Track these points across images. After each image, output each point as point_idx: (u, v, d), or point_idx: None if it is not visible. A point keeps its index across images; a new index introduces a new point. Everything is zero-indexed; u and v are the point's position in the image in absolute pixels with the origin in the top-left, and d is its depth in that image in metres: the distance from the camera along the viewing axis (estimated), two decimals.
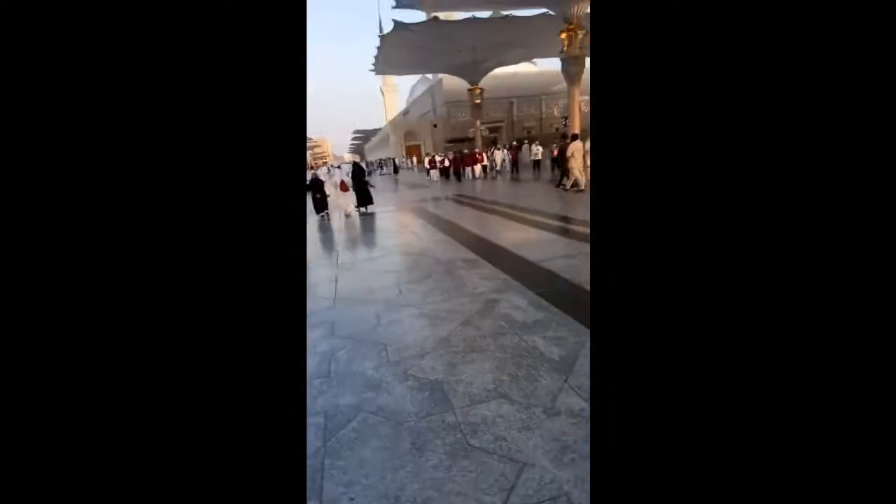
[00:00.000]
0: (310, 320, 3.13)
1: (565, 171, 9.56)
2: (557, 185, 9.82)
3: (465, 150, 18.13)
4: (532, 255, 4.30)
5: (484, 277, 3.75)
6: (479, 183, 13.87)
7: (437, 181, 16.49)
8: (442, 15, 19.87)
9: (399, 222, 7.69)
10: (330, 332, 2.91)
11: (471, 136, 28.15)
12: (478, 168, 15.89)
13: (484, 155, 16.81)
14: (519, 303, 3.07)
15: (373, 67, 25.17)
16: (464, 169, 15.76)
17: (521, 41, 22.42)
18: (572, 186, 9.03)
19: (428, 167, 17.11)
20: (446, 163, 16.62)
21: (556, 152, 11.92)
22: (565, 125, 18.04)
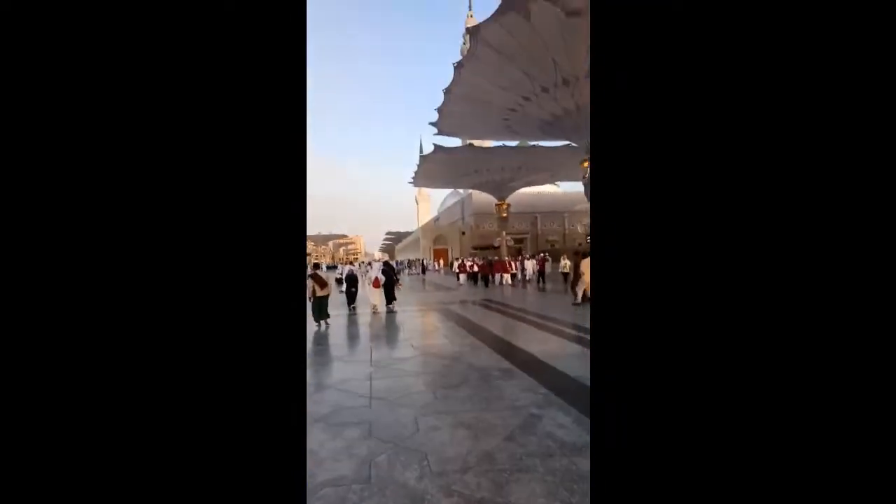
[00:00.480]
0: (347, 418, 3.07)
1: (573, 285, 9.65)
2: (573, 302, 9.65)
3: (496, 257, 18.67)
4: (570, 369, 4.21)
5: (523, 389, 3.66)
6: (507, 289, 14.08)
7: (463, 284, 16.73)
8: (476, 142, 22.72)
9: (430, 323, 7.75)
10: (368, 433, 2.83)
11: (496, 244, 29.53)
12: (507, 276, 16.23)
13: (514, 263, 17.27)
14: (563, 420, 2.95)
15: (412, 180, 28.10)
16: (493, 275, 16.03)
17: (545, 166, 24.91)
18: (584, 300, 9.01)
19: (458, 270, 17.59)
20: (475, 268, 17.04)
21: (567, 267, 12.31)
22: (589, 242, 18.78)
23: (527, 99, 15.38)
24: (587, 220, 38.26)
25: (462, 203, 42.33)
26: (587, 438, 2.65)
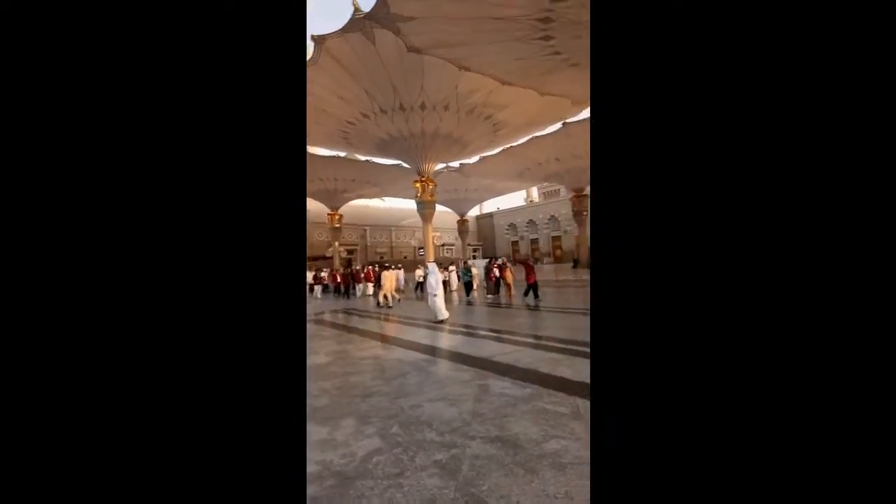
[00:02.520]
0: None
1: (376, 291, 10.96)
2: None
3: (357, 267, 17.77)
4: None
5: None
6: (371, 300, 13.96)
7: (319, 297, 15.45)
8: (310, 148, 21.83)
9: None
10: None
11: (329, 255, 28.66)
12: (370, 285, 15.34)
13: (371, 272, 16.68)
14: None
15: None
16: (355, 285, 15.42)
17: (377, 181, 26.02)
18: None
19: (312, 282, 16.11)
20: (337, 278, 15.89)
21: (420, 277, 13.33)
22: (421, 254, 20.52)
23: (366, 116, 15.96)
24: (418, 234, 41.30)
25: None
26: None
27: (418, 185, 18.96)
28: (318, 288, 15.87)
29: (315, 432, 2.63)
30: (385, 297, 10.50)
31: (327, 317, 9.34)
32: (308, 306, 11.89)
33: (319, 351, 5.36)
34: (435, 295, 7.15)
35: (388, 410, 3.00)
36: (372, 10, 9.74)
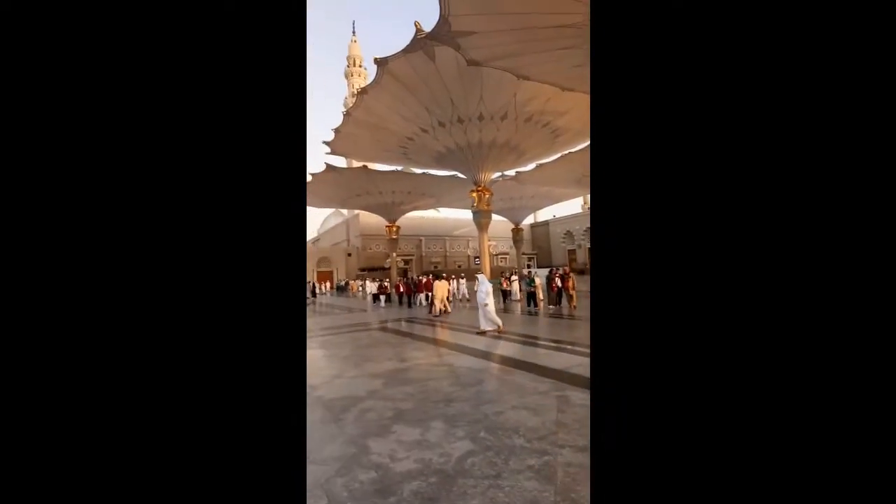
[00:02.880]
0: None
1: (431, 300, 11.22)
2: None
3: (419, 277, 17.60)
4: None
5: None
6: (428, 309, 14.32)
7: (383, 307, 15.02)
8: (369, 164, 23.02)
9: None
10: None
11: (387, 266, 29.78)
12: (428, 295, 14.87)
13: (430, 282, 16.27)
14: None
15: None
16: (415, 295, 15.26)
17: (432, 192, 26.64)
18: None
19: (377, 292, 16.22)
20: (401, 288, 16.05)
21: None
22: (477, 263, 20.61)
23: (424, 131, 16.53)
24: (473, 244, 41.59)
25: (347, 224, 41.44)
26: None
27: (475, 194, 19.14)
28: (382, 298, 16.39)
29: (408, 433, 2.80)
30: (437, 306, 10.84)
31: (392, 325, 9.72)
32: (373, 315, 12.44)
33: (394, 357, 5.63)
34: (485, 305, 7.23)
35: (473, 416, 3.10)
36: (433, 29, 10.17)
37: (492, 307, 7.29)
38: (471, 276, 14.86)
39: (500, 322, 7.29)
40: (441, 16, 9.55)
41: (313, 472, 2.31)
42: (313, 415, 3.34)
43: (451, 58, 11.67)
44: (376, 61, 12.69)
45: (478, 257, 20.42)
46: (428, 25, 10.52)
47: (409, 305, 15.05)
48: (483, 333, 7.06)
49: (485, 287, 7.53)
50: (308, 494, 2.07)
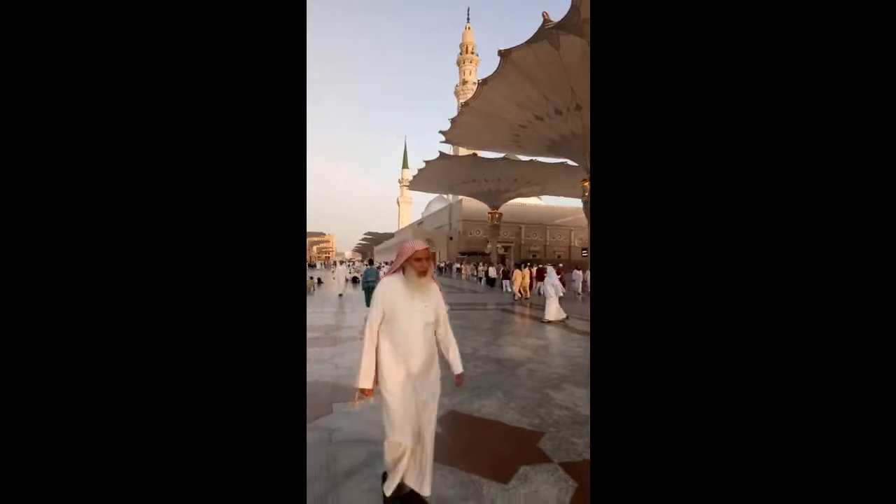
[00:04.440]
0: None
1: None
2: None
3: (541, 265, 15.87)
4: None
5: None
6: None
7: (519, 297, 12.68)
8: (479, 152, 23.75)
9: None
10: None
11: (487, 251, 30.66)
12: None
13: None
14: None
15: (408, 183, 28.75)
16: (534, 283, 13.57)
17: (538, 180, 26.33)
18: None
19: (510, 278, 14.35)
20: (534, 272, 13.77)
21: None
22: (584, 255, 20.08)
23: (539, 118, 16.52)
24: (575, 234, 40.19)
25: (450, 209, 43.29)
26: None
27: (586, 183, 18.60)
28: (506, 282, 15.74)
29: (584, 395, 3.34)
30: (520, 292, 11.71)
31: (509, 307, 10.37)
32: (485, 296, 13.18)
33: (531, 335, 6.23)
34: (550, 296, 7.69)
35: None
36: (563, 19, 10.20)
37: (553, 300, 7.67)
38: (569, 268, 14.48)
39: (564, 314, 7.70)
40: (573, 5, 9.53)
41: (520, 404, 3.02)
42: (490, 367, 4.12)
43: (576, 45, 11.52)
44: (499, 53, 13.10)
45: (585, 249, 19.84)
46: (558, 16, 10.53)
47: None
48: (550, 322, 7.49)
49: (552, 279, 7.95)
50: (519, 420, 2.74)
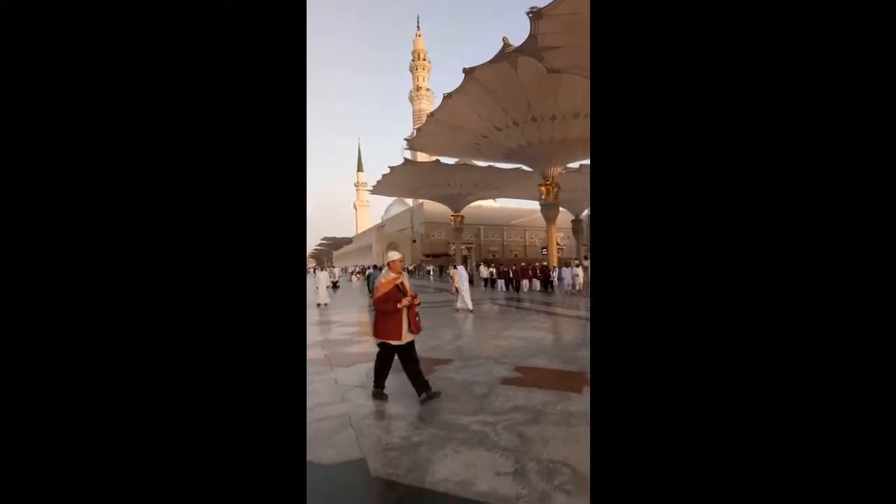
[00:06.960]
0: None
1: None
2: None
3: (523, 264, 17.13)
4: None
5: None
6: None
7: (502, 292, 14.55)
8: (441, 158, 24.89)
9: None
10: None
11: (451, 252, 31.83)
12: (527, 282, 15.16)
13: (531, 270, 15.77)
14: None
15: (371, 188, 29.31)
16: (518, 282, 15.18)
17: (496, 184, 28.03)
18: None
19: (494, 276, 16.47)
20: (510, 274, 15.71)
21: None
22: (544, 253, 21.80)
23: (499, 129, 17.93)
24: (529, 234, 42.30)
25: (412, 212, 44.01)
26: None
27: (543, 188, 20.25)
28: (500, 282, 16.40)
29: None
30: (455, 289, 12.92)
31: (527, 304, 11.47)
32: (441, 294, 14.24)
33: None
34: (463, 291, 9.58)
35: None
36: (522, 44, 11.52)
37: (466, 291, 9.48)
38: (527, 266, 15.57)
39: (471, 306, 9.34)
40: (531, 34, 10.87)
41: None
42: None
43: (532, 67, 12.94)
44: (464, 71, 14.28)
45: (545, 247, 21.50)
46: (518, 41, 11.84)
47: (517, 290, 15.07)
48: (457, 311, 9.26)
49: (461, 275, 9.82)
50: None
